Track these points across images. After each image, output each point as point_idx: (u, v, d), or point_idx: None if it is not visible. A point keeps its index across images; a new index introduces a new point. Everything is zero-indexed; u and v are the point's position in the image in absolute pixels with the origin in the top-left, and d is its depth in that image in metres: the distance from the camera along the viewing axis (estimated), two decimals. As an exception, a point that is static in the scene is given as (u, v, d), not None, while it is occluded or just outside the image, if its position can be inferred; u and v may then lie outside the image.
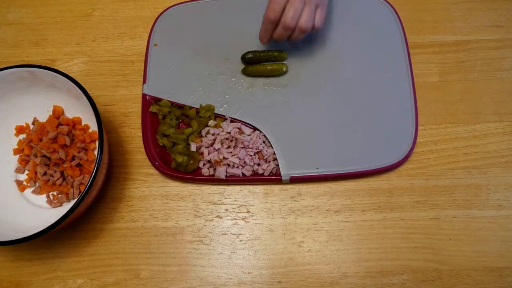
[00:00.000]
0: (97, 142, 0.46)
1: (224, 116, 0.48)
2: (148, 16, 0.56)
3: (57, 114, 0.48)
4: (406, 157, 0.46)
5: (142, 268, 0.44)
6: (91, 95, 0.51)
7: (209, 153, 0.46)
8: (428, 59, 0.52)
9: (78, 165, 0.45)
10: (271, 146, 0.47)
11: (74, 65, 0.54)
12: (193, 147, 0.46)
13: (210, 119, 0.48)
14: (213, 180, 0.46)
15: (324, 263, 0.44)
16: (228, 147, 0.46)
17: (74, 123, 0.47)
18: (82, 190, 0.44)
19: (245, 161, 0.46)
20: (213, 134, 0.47)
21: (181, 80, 0.50)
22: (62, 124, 0.47)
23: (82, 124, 0.48)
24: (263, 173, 0.46)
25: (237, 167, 0.46)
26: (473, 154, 0.48)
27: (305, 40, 0.51)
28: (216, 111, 0.48)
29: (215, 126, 0.47)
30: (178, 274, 0.44)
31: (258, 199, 0.47)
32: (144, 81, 0.50)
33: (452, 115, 0.49)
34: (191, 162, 0.46)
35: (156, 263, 0.44)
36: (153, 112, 0.48)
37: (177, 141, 0.47)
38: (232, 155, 0.46)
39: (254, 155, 0.46)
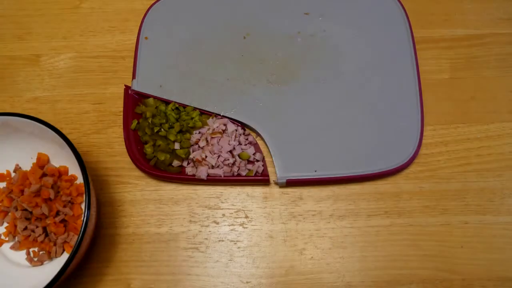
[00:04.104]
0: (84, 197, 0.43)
1: (212, 113, 0.49)
2: (140, 8, 0.56)
3: (42, 163, 0.46)
4: (411, 159, 0.47)
5: (133, 277, 0.45)
6: (79, 93, 0.53)
7: (193, 151, 0.47)
8: (438, 55, 0.53)
9: (63, 221, 0.44)
10: (266, 144, 0.47)
11: (60, 61, 0.54)
12: (176, 146, 0.47)
13: (195, 121, 0.48)
14: (194, 180, 0.47)
15: (328, 272, 0.44)
16: (212, 145, 0.47)
17: (60, 173, 0.46)
18: (65, 249, 0.44)
19: (224, 160, 0.46)
20: (199, 133, 0.48)
21: (173, 76, 0.51)
22: (46, 175, 0.46)
23: (69, 174, 0.47)
24: (240, 173, 0.47)
25: (218, 167, 0.47)
26: (486, 156, 0.48)
27: (304, 35, 0.52)
28: (209, 109, 0.49)
29: (203, 125, 0.48)
30: (172, 283, 0.45)
31: (257, 203, 0.47)
32: (134, 77, 0.51)
33: (463, 114, 0.50)
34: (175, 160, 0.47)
35: (149, 272, 0.45)
36: (138, 112, 0.49)
37: (159, 139, 0.48)
38: (212, 154, 0.47)
39: (228, 153, 0.47)
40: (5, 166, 0.47)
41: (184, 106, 0.49)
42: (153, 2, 0.55)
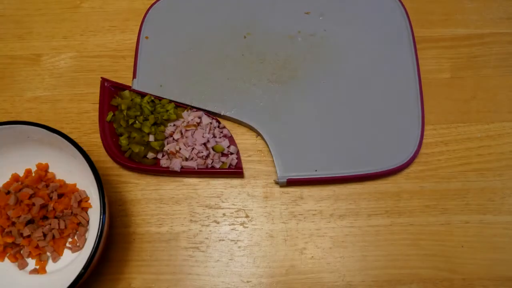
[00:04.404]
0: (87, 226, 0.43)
1: (186, 105, 0.49)
2: (140, 8, 0.57)
3: (42, 170, 0.46)
4: (412, 159, 0.47)
5: (134, 276, 0.45)
6: (80, 92, 0.53)
7: (167, 143, 0.48)
8: (439, 54, 0.53)
9: (63, 227, 0.45)
10: (266, 143, 0.48)
11: (61, 60, 0.55)
12: (151, 138, 0.48)
13: (169, 113, 0.49)
14: (168, 172, 0.47)
15: (328, 271, 0.45)
16: (186, 137, 0.48)
17: (60, 183, 0.46)
18: (65, 254, 0.44)
19: (197, 152, 0.47)
20: (173, 125, 0.49)
21: (173, 76, 0.51)
22: (48, 185, 0.45)
23: (73, 181, 0.47)
24: (214, 165, 0.47)
25: (192, 159, 0.47)
26: (486, 155, 0.48)
27: (304, 35, 0.53)
28: (210, 108, 0.49)
29: (178, 117, 0.49)
30: (173, 283, 0.45)
31: (258, 203, 0.47)
32: (134, 76, 0.51)
33: (464, 114, 0.50)
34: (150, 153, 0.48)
35: (149, 271, 0.45)
36: (114, 105, 0.50)
37: (134, 131, 0.48)
38: (186, 147, 0.47)
39: (201, 145, 0.47)
40: (14, 170, 0.47)
41: (160, 98, 0.50)
42: (153, 1, 0.55)
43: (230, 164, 0.48)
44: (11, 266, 0.44)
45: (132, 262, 0.46)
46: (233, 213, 0.47)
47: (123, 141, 0.48)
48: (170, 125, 0.49)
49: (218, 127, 0.49)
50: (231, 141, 0.49)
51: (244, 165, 0.49)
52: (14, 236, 0.44)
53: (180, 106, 0.50)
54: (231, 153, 0.48)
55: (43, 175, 0.46)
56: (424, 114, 0.49)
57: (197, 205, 0.48)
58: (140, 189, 0.48)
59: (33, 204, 0.44)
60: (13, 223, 0.44)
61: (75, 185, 0.47)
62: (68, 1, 0.58)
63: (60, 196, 0.46)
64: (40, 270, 0.44)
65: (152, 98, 0.50)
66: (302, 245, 0.46)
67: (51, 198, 0.45)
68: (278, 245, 0.46)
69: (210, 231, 0.47)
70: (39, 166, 0.47)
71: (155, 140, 0.48)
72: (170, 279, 0.45)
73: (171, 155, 0.48)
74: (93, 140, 0.51)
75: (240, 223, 0.47)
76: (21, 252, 0.44)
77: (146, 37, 0.53)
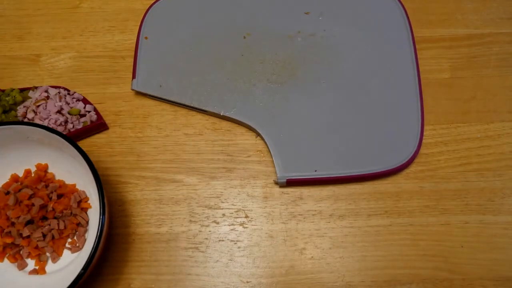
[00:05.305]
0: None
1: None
2: (140, 8, 0.57)
3: (41, 170, 0.47)
4: (412, 159, 0.47)
5: (134, 277, 0.45)
6: (79, 92, 0.53)
7: None
8: (439, 54, 0.53)
9: (62, 227, 0.45)
10: (266, 143, 0.48)
11: (61, 61, 0.55)
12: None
13: (16, 99, 0.50)
14: None
15: (328, 272, 0.45)
16: (39, 112, 0.49)
17: (59, 184, 0.46)
18: (63, 254, 0.45)
19: (55, 121, 0.48)
20: (24, 107, 0.50)
21: (173, 76, 0.51)
22: (47, 185, 0.46)
23: (73, 181, 0.47)
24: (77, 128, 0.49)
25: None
26: (486, 155, 0.49)
27: (304, 35, 0.53)
28: (209, 109, 0.50)
29: (24, 99, 0.50)
30: (172, 283, 0.45)
31: (257, 203, 0.48)
32: (134, 77, 0.51)
33: (464, 114, 0.50)
34: None
35: (149, 272, 0.45)
36: None
37: None
38: (42, 121, 0.48)
39: (57, 114, 0.48)
40: (13, 171, 0.47)
41: (22, 90, 0.50)
42: (153, 1, 0.56)
43: (91, 121, 0.49)
44: (11, 266, 0.44)
45: (131, 263, 0.46)
46: (232, 213, 0.47)
47: None
48: (20, 108, 0.50)
49: (69, 94, 0.51)
50: (85, 101, 0.51)
51: (243, 166, 0.49)
52: (13, 237, 0.44)
53: (26, 89, 0.51)
54: (88, 111, 0.50)
55: (42, 176, 0.47)
56: (423, 114, 0.49)
57: (197, 205, 0.48)
58: (139, 190, 0.49)
59: (33, 205, 0.44)
60: (13, 224, 0.44)
61: (74, 185, 0.47)
62: (68, 1, 0.58)
63: (59, 196, 0.46)
64: (39, 270, 0.44)
65: None
66: (302, 246, 0.46)
67: (50, 198, 0.45)
68: (277, 245, 0.46)
69: (209, 231, 0.47)
70: (39, 166, 0.47)
71: None
72: (169, 280, 0.45)
73: None
74: (92, 140, 0.51)
75: (239, 223, 0.47)
76: (21, 252, 0.45)
77: (146, 38, 0.53)
